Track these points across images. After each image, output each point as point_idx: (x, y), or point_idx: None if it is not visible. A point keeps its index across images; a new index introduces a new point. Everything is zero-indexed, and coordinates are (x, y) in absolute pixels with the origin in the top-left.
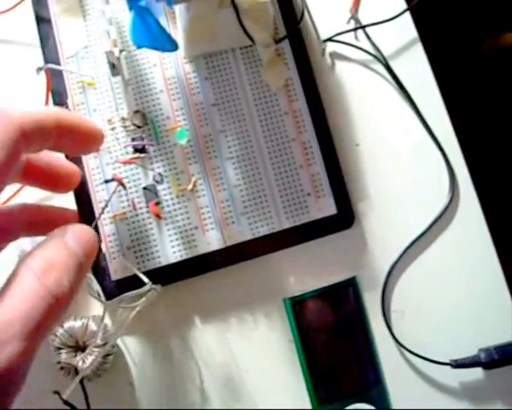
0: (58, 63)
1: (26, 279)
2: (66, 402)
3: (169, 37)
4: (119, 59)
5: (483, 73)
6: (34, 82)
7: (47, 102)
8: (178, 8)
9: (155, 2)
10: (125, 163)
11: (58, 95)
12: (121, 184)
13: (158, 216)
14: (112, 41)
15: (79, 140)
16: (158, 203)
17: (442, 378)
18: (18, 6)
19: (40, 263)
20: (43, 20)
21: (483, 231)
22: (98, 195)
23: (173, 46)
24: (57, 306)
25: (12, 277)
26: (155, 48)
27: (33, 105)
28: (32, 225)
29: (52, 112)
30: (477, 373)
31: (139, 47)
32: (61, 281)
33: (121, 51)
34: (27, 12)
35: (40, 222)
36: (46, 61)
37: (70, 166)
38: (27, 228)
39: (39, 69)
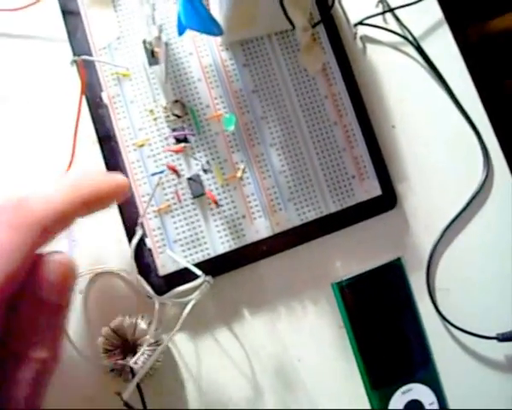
0: (90, 55)
1: None
2: (126, 404)
3: (215, 20)
4: (167, 44)
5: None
6: (64, 77)
7: (81, 97)
8: None
9: None
10: (174, 151)
11: (90, 88)
12: (175, 172)
13: (216, 203)
14: (158, 27)
15: (106, 201)
16: (203, 194)
17: (489, 352)
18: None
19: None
20: (69, 13)
21: None
22: (141, 189)
23: (219, 30)
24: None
25: None
26: (204, 31)
27: (54, 194)
28: None
29: (75, 197)
30: None
31: (184, 30)
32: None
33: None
34: (51, 6)
35: None
36: (76, 55)
37: None
38: None
39: (73, 61)
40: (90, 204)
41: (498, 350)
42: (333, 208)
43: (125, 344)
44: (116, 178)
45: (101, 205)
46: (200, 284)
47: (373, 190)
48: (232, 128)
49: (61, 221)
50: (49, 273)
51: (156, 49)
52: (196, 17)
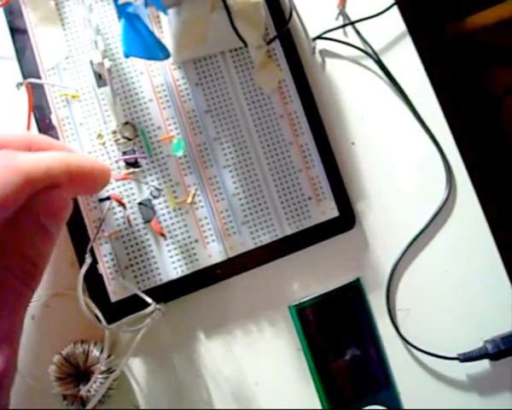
0: (38, 76)
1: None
2: None
3: (160, 44)
4: (109, 70)
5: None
6: (12, 97)
7: (29, 120)
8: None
9: (143, 8)
10: (121, 180)
11: (40, 110)
12: (120, 202)
13: (162, 235)
14: (101, 52)
15: (90, 184)
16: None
17: (450, 373)
18: None
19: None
20: (18, 31)
21: (481, 223)
22: (91, 214)
23: (165, 54)
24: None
25: None
26: (148, 57)
27: (44, 154)
28: None
29: (62, 160)
30: (483, 365)
31: (128, 56)
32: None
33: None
34: (0, 23)
35: None
36: (24, 75)
37: None
38: None
39: (20, 84)
40: (74, 175)
41: (459, 371)
42: (288, 231)
43: (77, 372)
44: (101, 163)
45: (83, 182)
46: (152, 312)
47: (330, 211)
48: (181, 153)
49: (45, 177)
50: (52, 202)
51: (105, 73)
52: (139, 43)
